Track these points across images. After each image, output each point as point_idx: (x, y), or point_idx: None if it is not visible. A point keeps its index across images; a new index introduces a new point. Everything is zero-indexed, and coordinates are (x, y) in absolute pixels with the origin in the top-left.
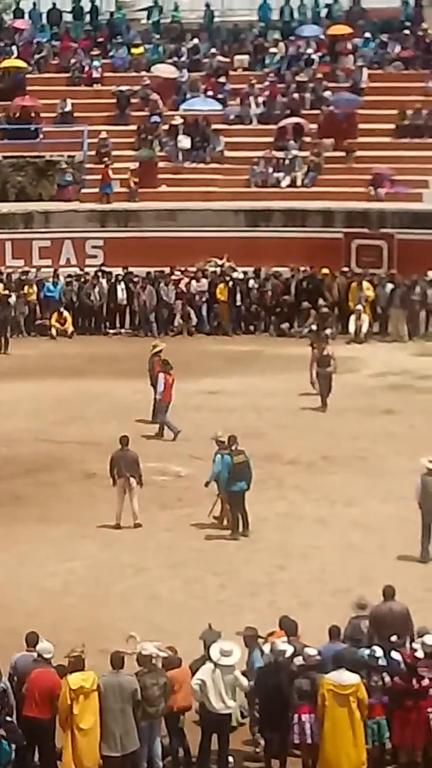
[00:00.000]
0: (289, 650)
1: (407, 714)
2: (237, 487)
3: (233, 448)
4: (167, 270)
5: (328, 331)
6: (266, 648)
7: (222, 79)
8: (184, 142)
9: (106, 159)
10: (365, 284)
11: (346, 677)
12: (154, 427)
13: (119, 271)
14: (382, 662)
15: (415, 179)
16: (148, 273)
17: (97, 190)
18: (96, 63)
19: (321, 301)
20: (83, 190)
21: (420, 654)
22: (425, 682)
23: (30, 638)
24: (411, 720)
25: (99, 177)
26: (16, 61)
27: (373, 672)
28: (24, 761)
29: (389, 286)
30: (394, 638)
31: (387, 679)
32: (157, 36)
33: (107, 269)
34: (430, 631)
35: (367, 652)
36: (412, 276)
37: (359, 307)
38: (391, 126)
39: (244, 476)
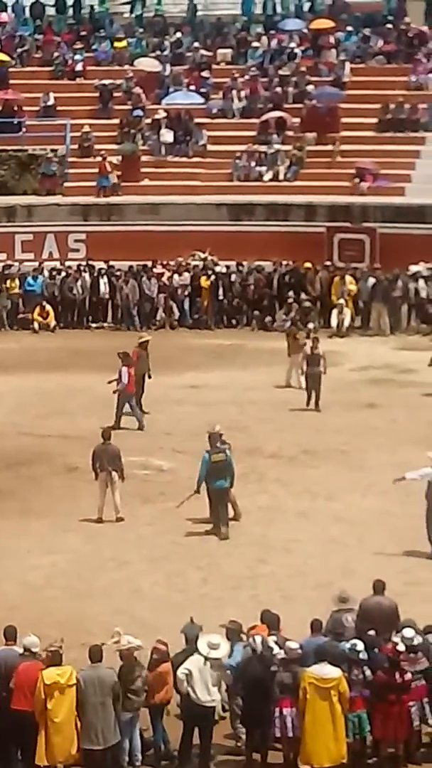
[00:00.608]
0: (278, 650)
1: (389, 708)
2: (215, 485)
3: (217, 445)
4: (149, 264)
5: (310, 325)
6: (249, 641)
7: (205, 73)
8: (167, 135)
9: (103, 152)
10: (348, 278)
11: (328, 671)
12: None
13: (102, 264)
14: (363, 656)
15: (398, 173)
16: (131, 267)
17: (79, 183)
18: (79, 56)
19: (303, 295)
20: (66, 184)
21: (401, 647)
22: (408, 676)
23: (8, 632)
24: (393, 714)
25: (82, 171)
26: None
27: (354, 665)
28: (8, 754)
29: (371, 281)
30: (371, 633)
31: (368, 672)
32: (140, 30)
33: (91, 263)
34: (413, 624)
35: (348, 645)
36: (394, 270)
37: (341, 301)
38: (374, 120)
39: (224, 474)
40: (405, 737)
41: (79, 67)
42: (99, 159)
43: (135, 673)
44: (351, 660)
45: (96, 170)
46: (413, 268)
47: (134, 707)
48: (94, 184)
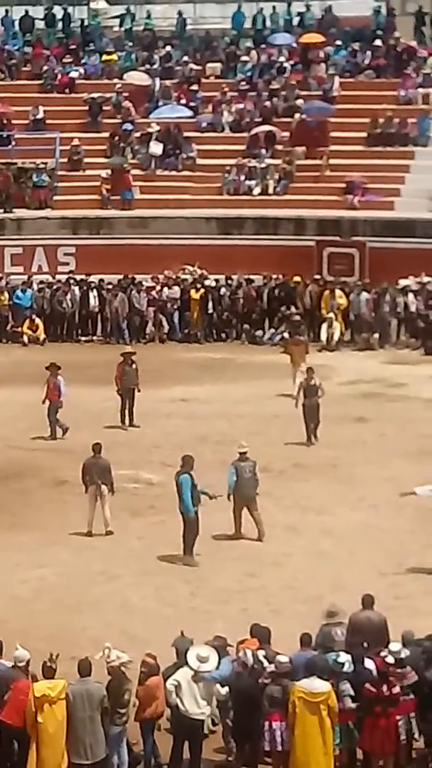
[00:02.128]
0: (267, 663)
1: (376, 720)
2: (192, 511)
3: (190, 471)
4: (139, 277)
5: (302, 338)
6: (240, 655)
7: (194, 87)
8: (156, 149)
9: (126, 165)
10: (337, 292)
11: (317, 685)
12: (126, 434)
13: (92, 278)
14: (347, 668)
15: (387, 188)
16: (119, 280)
17: (69, 197)
18: (69, 70)
19: (293, 309)
20: (55, 197)
21: (390, 660)
22: (396, 689)
23: None
24: (380, 727)
25: (71, 184)
26: None
27: (336, 678)
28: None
29: (364, 295)
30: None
31: (347, 686)
32: (130, 43)
33: (79, 276)
34: (411, 636)
35: (333, 656)
36: (383, 284)
37: (330, 315)
38: (363, 134)
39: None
40: (392, 751)
41: (68, 80)
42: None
43: (123, 687)
44: (333, 672)
45: (85, 184)
46: (403, 282)
47: (122, 722)
48: (83, 197)
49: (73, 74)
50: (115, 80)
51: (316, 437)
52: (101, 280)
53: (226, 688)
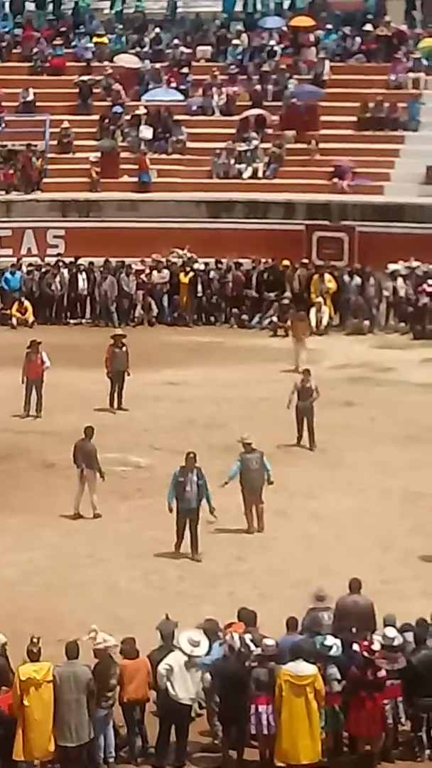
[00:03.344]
0: (254, 647)
1: (362, 704)
2: (168, 503)
3: (192, 469)
4: (128, 261)
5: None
6: (226, 638)
7: (185, 70)
8: (146, 132)
9: (143, 148)
10: (327, 276)
11: (303, 668)
12: (114, 418)
13: (81, 261)
14: (335, 652)
15: (377, 172)
16: (106, 260)
17: (58, 179)
18: (59, 52)
19: (282, 293)
20: (45, 180)
21: (376, 646)
22: (381, 673)
23: None
24: (366, 710)
25: (61, 167)
26: None
27: (323, 661)
28: None
29: (357, 279)
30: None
31: (334, 670)
32: (120, 26)
33: (68, 259)
34: (393, 621)
35: (320, 640)
36: (366, 268)
37: (319, 299)
38: (353, 118)
39: (185, 497)
40: (378, 734)
41: (58, 62)
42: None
43: (110, 670)
44: (320, 656)
45: (75, 166)
46: (392, 267)
47: (108, 705)
48: (73, 180)
49: (63, 56)
50: (106, 63)
51: (314, 443)
52: (90, 263)
53: (208, 675)
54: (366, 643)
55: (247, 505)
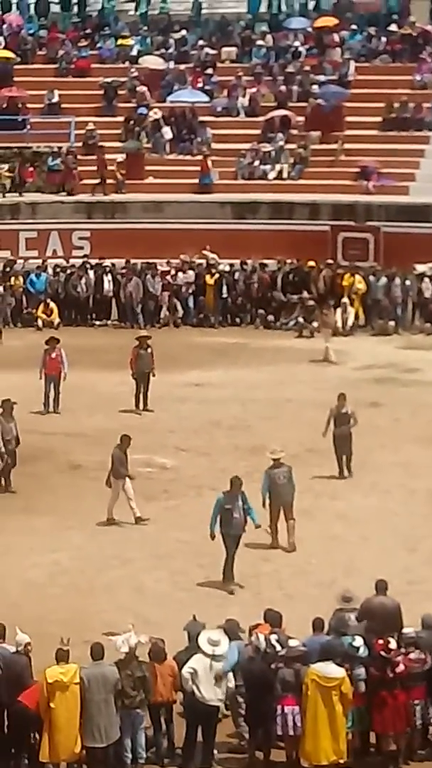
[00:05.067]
0: (280, 648)
1: (384, 701)
2: (211, 529)
3: (238, 492)
4: (154, 262)
5: (314, 324)
6: (252, 639)
7: (209, 71)
8: (166, 133)
9: (205, 150)
10: (357, 277)
11: (332, 670)
12: (140, 419)
13: (106, 262)
14: (362, 652)
15: (402, 172)
16: (127, 261)
17: (84, 181)
18: (84, 54)
19: (306, 294)
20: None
21: (393, 645)
22: (400, 668)
23: None
24: (389, 707)
25: (86, 168)
26: (3, 52)
27: (351, 661)
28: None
29: (383, 280)
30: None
31: (361, 670)
32: (145, 27)
33: (93, 260)
34: (429, 620)
35: (348, 640)
36: (392, 269)
37: (345, 299)
38: (378, 119)
39: (233, 524)
40: (403, 729)
41: (83, 64)
42: (200, 157)
43: (137, 670)
44: (348, 656)
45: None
46: (420, 268)
47: (135, 704)
48: (98, 181)
49: (88, 58)
50: (130, 64)
51: (350, 471)
52: (114, 264)
53: (231, 675)
54: (381, 642)
55: (273, 520)
